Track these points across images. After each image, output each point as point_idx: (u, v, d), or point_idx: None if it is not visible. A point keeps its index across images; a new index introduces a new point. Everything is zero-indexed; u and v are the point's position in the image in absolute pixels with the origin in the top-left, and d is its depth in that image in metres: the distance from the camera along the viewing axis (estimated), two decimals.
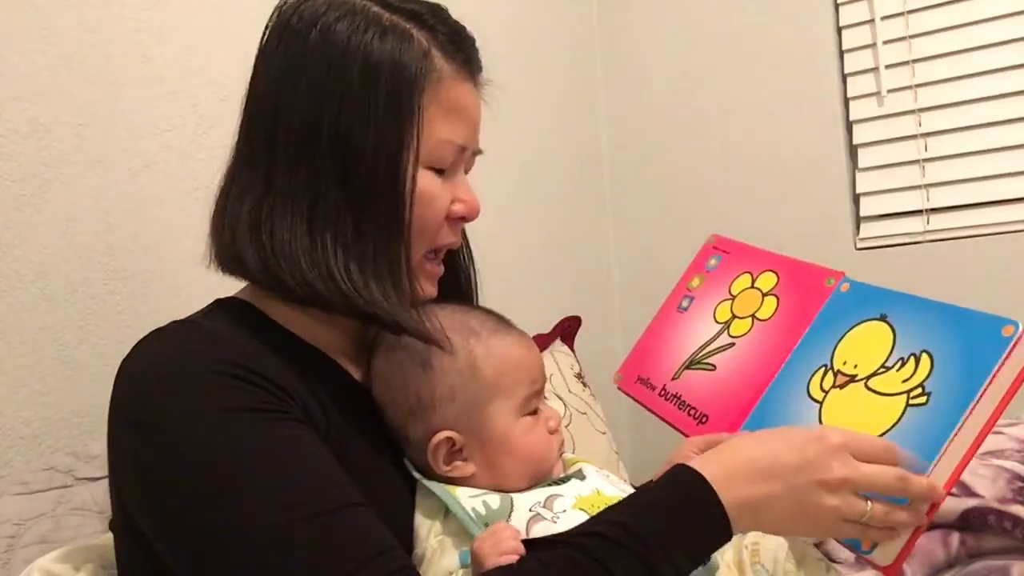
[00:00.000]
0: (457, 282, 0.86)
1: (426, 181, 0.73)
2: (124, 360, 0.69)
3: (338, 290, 0.69)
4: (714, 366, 0.87)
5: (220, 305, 0.77)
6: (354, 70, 0.70)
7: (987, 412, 0.67)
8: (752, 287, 0.90)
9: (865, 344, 0.77)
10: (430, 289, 0.78)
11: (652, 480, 0.68)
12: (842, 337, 0.78)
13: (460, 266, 0.87)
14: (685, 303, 0.95)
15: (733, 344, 0.87)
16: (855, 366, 0.76)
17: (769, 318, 0.85)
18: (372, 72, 0.70)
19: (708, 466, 0.65)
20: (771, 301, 0.87)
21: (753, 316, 0.87)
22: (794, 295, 0.85)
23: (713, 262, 0.97)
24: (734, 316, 0.89)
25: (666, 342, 0.94)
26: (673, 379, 0.90)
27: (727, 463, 0.66)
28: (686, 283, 0.97)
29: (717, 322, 0.90)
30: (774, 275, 0.89)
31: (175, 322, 0.72)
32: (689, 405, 0.86)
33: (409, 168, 0.71)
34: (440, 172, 0.75)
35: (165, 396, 0.64)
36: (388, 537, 0.63)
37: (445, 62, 0.74)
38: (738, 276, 0.92)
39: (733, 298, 0.91)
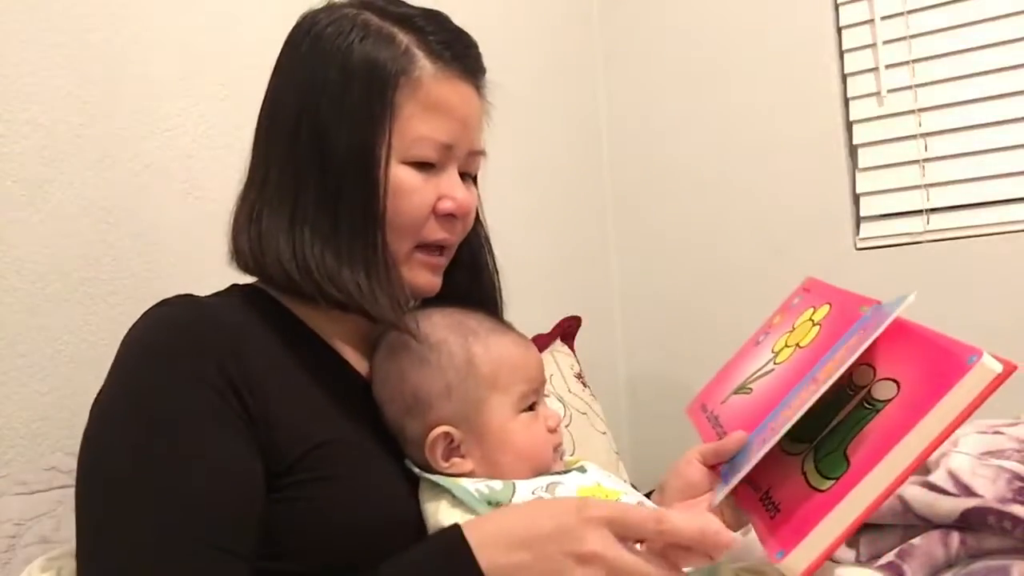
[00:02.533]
0: (482, 289, 0.87)
1: (404, 176, 0.75)
2: (132, 326, 0.72)
3: (311, 279, 0.73)
4: (751, 390, 0.88)
5: (236, 288, 0.80)
6: (333, 70, 0.74)
7: (926, 436, 0.63)
8: (809, 319, 0.90)
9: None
10: (427, 278, 0.79)
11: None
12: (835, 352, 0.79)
13: (484, 274, 0.88)
14: (761, 338, 0.97)
15: (772, 370, 0.87)
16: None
17: (806, 345, 0.86)
18: (348, 71, 0.74)
19: (472, 532, 0.63)
20: (815, 330, 0.87)
21: (797, 344, 0.88)
22: (832, 324, 0.85)
23: (796, 301, 0.97)
24: (785, 346, 0.90)
25: (732, 372, 0.96)
26: (721, 403, 0.91)
27: (488, 530, 0.63)
28: (770, 320, 0.99)
29: (772, 352, 0.91)
30: (828, 307, 0.89)
31: (182, 295, 0.75)
32: (720, 425, 0.87)
33: (382, 161, 0.73)
34: (425, 169, 0.76)
35: (134, 361, 0.69)
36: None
37: (428, 61, 0.75)
38: (805, 311, 0.92)
39: (793, 330, 0.91)
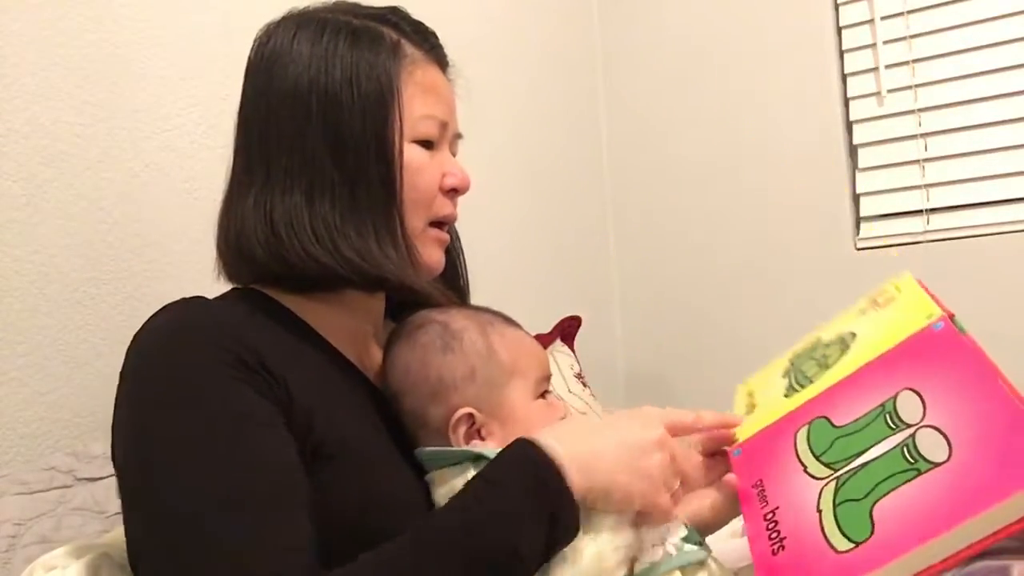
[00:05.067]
0: (457, 274, 0.90)
1: (414, 153, 0.79)
2: (137, 331, 0.72)
3: (343, 257, 0.74)
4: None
5: (234, 291, 0.81)
6: (336, 65, 0.76)
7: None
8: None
9: None
10: (439, 255, 0.83)
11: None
12: None
13: (458, 258, 0.91)
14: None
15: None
16: None
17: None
18: (352, 63, 0.77)
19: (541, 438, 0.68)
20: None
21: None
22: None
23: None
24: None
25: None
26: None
27: (558, 433, 0.69)
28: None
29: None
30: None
31: (183, 298, 0.75)
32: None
33: (396, 141, 0.77)
34: (426, 147, 0.80)
35: (154, 359, 0.69)
36: (305, 538, 0.64)
37: (414, 48, 0.81)
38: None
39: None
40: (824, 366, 0.79)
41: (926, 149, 1.77)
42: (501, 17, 1.85)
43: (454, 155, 0.85)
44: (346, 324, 0.80)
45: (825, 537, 0.63)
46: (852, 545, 0.61)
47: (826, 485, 0.67)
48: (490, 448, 0.72)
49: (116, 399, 0.70)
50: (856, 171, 1.85)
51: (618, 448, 0.68)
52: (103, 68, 1.11)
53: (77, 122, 1.07)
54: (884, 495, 0.62)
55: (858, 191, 1.84)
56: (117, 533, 0.80)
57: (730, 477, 0.78)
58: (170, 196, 1.17)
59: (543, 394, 0.80)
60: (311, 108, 0.76)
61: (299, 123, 0.76)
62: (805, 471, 0.70)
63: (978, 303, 1.70)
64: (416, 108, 0.78)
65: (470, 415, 0.75)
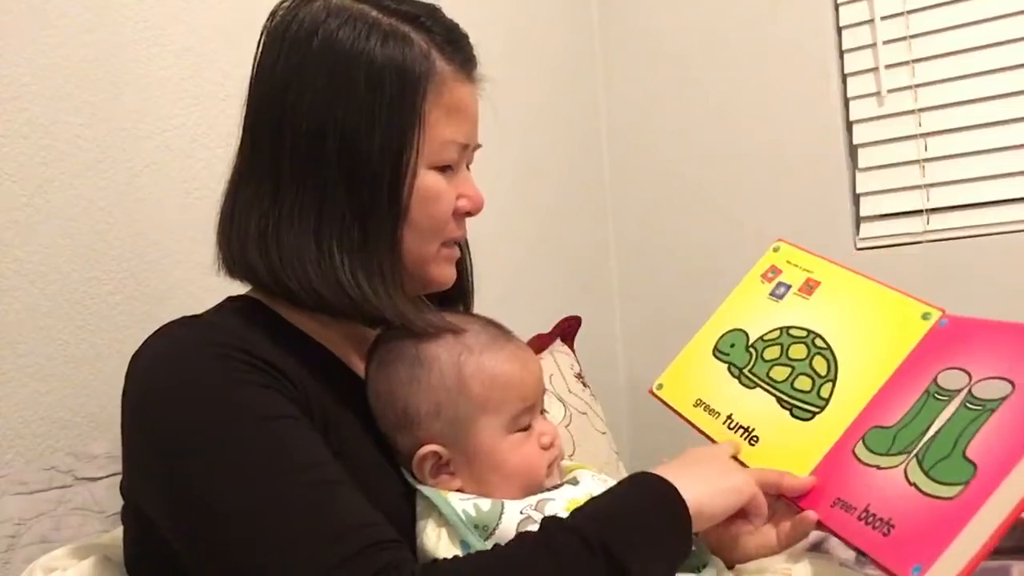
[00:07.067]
0: (463, 279, 0.88)
1: (431, 181, 0.75)
2: (133, 357, 0.71)
3: (346, 296, 0.72)
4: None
5: (231, 302, 0.79)
6: (359, 77, 0.72)
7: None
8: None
9: None
10: (450, 271, 0.81)
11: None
12: None
13: (465, 262, 0.89)
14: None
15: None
16: None
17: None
18: (376, 78, 0.72)
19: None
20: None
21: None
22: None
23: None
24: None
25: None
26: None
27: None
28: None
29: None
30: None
31: (182, 317, 0.74)
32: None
33: (411, 171, 0.73)
34: (445, 171, 0.77)
35: (171, 389, 0.67)
36: (375, 513, 0.64)
37: (445, 63, 0.75)
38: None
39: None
40: (819, 377, 0.82)
41: (926, 149, 1.77)
42: (501, 18, 1.85)
43: (468, 165, 0.82)
44: (344, 333, 0.79)
45: (931, 496, 0.65)
46: (961, 487, 0.63)
47: (908, 464, 0.69)
48: (450, 499, 0.69)
49: (131, 437, 0.69)
50: (856, 171, 1.85)
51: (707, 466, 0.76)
52: (103, 68, 1.11)
53: (77, 122, 1.07)
54: (970, 440, 0.65)
55: (858, 191, 1.84)
56: (117, 533, 0.81)
57: (808, 513, 0.73)
58: (170, 196, 1.17)
59: (526, 426, 0.75)
60: (328, 126, 0.71)
61: (314, 139, 0.72)
62: (879, 469, 0.71)
63: (978, 303, 1.70)
64: (439, 134, 0.74)
65: (435, 453, 0.72)
